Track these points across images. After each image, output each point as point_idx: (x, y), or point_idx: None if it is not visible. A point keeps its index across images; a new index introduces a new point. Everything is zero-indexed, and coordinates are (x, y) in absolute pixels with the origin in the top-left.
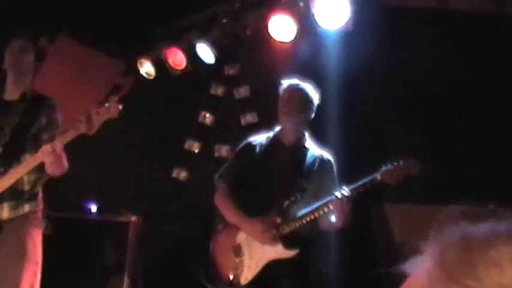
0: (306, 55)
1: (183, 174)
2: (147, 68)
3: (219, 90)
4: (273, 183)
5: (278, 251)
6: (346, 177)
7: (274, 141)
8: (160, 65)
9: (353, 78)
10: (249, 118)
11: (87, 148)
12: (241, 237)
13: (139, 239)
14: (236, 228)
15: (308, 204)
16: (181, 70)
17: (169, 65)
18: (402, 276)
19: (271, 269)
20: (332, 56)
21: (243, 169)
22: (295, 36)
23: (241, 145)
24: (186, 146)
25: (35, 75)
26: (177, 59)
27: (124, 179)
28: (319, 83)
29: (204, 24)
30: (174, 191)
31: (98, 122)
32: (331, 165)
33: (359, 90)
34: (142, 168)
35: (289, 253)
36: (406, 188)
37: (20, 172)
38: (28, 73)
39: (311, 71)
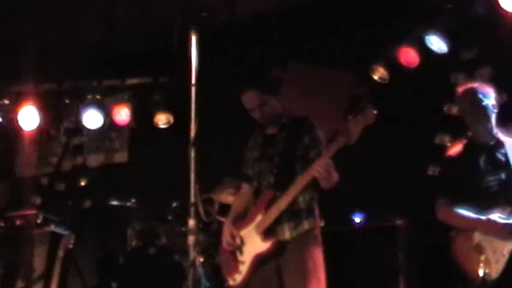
0: None
1: (439, 170)
2: (380, 74)
3: (459, 78)
4: None
5: None
6: None
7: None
8: (393, 67)
9: None
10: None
11: (340, 158)
12: (478, 236)
13: (409, 241)
14: (470, 230)
15: None
16: (416, 67)
17: (403, 65)
18: None
19: None
20: None
21: None
22: None
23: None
24: (437, 140)
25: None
26: (409, 57)
27: (381, 182)
28: None
29: (428, 16)
30: (432, 188)
31: (356, 130)
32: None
33: None
34: (396, 169)
35: None
36: None
37: (293, 192)
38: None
39: None
